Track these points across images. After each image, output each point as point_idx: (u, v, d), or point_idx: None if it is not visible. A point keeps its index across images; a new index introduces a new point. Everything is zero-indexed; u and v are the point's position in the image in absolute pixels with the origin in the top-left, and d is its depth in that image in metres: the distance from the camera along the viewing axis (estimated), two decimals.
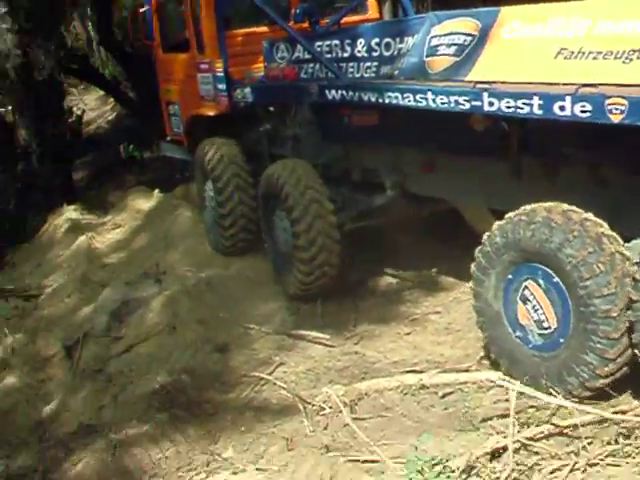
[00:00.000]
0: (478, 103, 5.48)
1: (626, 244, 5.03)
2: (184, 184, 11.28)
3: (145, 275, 8.81)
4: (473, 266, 5.70)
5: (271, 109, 8.48)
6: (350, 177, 7.70)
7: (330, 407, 5.62)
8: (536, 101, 5.06)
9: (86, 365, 7.53)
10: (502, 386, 5.45)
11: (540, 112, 5.07)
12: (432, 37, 6.32)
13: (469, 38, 6.00)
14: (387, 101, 6.29)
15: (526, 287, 5.34)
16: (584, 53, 5.23)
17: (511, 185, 6.12)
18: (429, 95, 5.87)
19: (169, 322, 7.18)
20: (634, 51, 4.92)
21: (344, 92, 6.78)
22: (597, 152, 5.40)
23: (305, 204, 7.25)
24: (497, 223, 5.55)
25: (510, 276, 5.43)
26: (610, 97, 4.62)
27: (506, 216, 5.48)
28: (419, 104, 5.97)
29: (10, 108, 14.34)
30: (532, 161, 5.96)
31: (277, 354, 6.80)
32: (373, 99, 6.44)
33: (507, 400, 5.18)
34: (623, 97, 4.55)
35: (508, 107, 5.26)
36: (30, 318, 9.08)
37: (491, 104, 5.38)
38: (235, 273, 8.48)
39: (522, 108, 5.17)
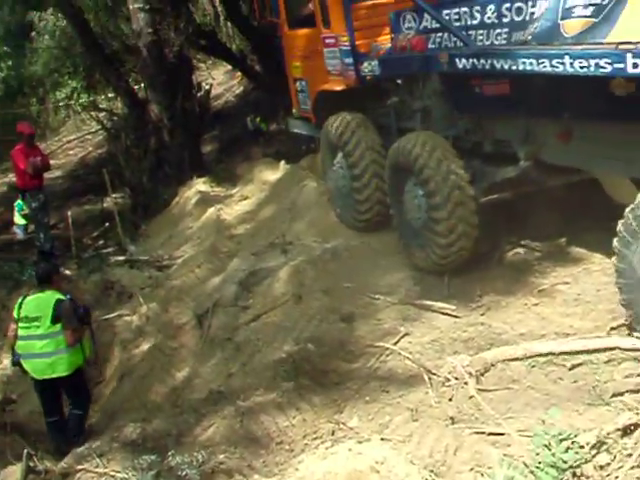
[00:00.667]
0: (621, 65, 5.18)
1: None
2: (310, 155, 11.31)
3: (272, 245, 8.89)
4: (620, 225, 5.49)
5: (398, 82, 8.35)
6: (481, 149, 7.51)
7: (455, 378, 5.55)
8: None
9: (216, 334, 7.71)
10: (636, 359, 5.21)
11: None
12: None
13: None
14: (521, 67, 6.05)
15: None
16: None
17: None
18: (566, 59, 5.60)
19: (295, 292, 7.23)
20: None
21: (475, 60, 6.57)
22: None
23: (443, 176, 7.11)
24: None
25: None
26: None
27: None
28: (556, 69, 5.72)
29: (143, 85, 14.84)
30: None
31: (402, 324, 6.74)
32: (506, 66, 6.21)
33: None
34: None
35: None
36: (163, 288, 9.34)
37: (636, 65, 5.08)
38: (360, 243, 8.47)
39: None
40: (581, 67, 5.50)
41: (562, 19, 6.02)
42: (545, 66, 5.81)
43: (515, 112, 6.91)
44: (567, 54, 5.61)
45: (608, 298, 6.37)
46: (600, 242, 6.54)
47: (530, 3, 6.42)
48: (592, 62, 5.40)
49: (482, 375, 5.57)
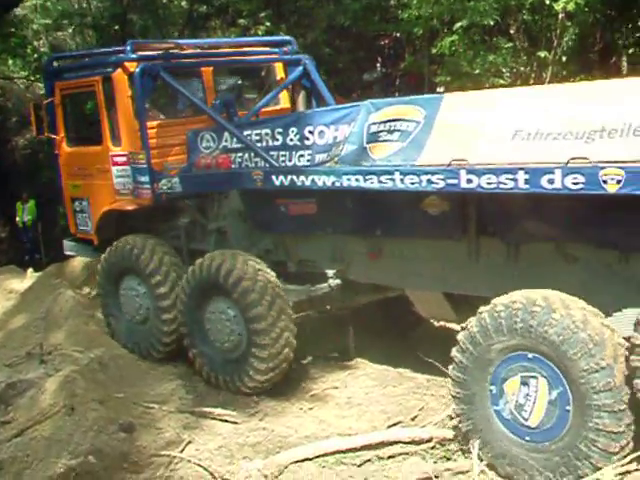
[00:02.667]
0: (454, 181, 5.42)
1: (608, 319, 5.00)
2: (57, 264, 10.67)
3: (28, 356, 7.97)
4: (461, 336, 5.43)
5: (189, 202, 8.14)
6: (285, 268, 7.36)
7: None
8: (521, 176, 5.05)
9: None
10: (419, 453, 5.62)
11: (526, 186, 5.05)
12: (371, 124, 6.36)
13: (413, 124, 6.08)
14: (346, 184, 6.11)
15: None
16: (542, 134, 5.39)
17: (469, 267, 6.05)
18: (397, 175, 5.76)
19: (66, 403, 6.36)
20: (595, 131, 5.13)
21: (294, 177, 6.50)
22: (564, 227, 5.43)
23: (269, 300, 6.77)
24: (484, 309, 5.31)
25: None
26: (605, 168, 4.69)
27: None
28: (384, 185, 5.84)
29: None
30: (491, 241, 5.93)
31: (184, 432, 6.42)
32: (329, 183, 6.23)
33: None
34: (621, 167, 4.63)
35: (489, 183, 5.22)
36: None
37: (469, 181, 5.33)
38: (125, 353, 8.05)
39: (505, 183, 5.14)
40: (412, 183, 5.67)
41: (368, 142, 6.31)
42: (373, 182, 5.92)
43: (322, 231, 6.94)
44: (398, 170, 5.77)
45: (377, 400, 6.82)
46: (363, 347, 7.49)
47: (333, 127, 6.70)
48: (424, 178, 5.59)
49: (277, 478, 5.52)
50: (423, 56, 13.72)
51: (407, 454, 5.67)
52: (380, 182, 5.87)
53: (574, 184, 4.82)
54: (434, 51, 12.83)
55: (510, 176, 5.11)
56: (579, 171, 4.82)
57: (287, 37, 9.17)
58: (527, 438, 5.05)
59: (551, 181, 4.93)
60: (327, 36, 14.18)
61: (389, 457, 5.67)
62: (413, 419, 6.37)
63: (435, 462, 5.52)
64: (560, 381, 4.83)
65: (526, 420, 5.04)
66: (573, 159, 4.91)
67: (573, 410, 4.83)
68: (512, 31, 12.57)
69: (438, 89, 13.69)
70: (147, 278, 7.84)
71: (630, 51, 11.39)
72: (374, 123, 6.37)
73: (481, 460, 5.27)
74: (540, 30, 12.16)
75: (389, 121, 6.28)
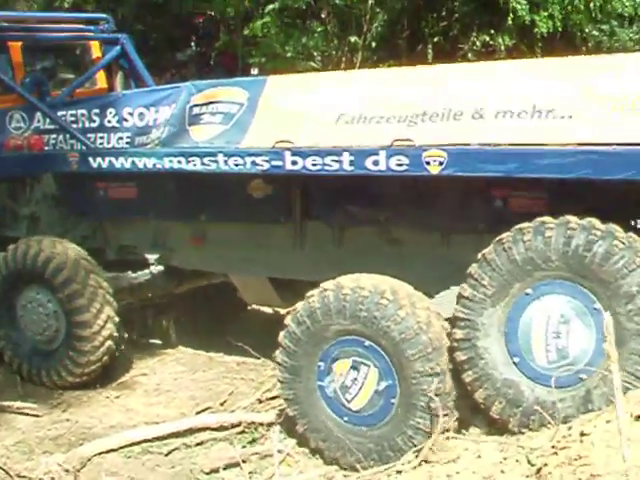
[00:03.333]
0: (279, 162, 5.43)
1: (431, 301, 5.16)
2: None
3: None
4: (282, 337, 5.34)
5: None
6: (104, 255, 7.04)
7: (52, 478, 5.19)
8: (346, 157, 5.13)
9: None
10: (227, 439, 5.61)
11: (351, 168, 5.13)
12: (192, 106, 6.26)
13: (236, 106, 6.04)
14: (169, 166, 5.94)
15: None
16: (365, 118, 5.54)
17: (294, 252, 6.08)
18: (220, 157, 5.68)
19: None
20: (417, 115, 5.34)
21: (113, 159, 6.25)
22: (387, 211, 5.60)
23: (91, 291, 6.44)
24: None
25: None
26: (428, 149, 4.87)
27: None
28: (207, 167, 5.75)
29: None
30: (316, 225, 6.00)
31: None
32: (151, 165, 6.03)
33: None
34: (443, 149, 4.82)
35: (314, 165, 5.27)
36: None
37: (294, 163, 5.36)
38: None
39: (330, 165, 5.21)
40: (236, 165, 5.63)
41: (190, 125, 6.21)
42: (195, 165, 5.81)
43: (143, 216, 6.73)
44: (221, 152, 5.71)
45: (186, 386, 6.78)
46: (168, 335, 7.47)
47: (153, 109, 6.50)
48: (248, 160, 5.56)
49: (79, 471, 5.31)
50: (237, 37, 13.64)
51: (215, 440, 5.65)
52: (203, 164, 5.78)
53: (398, 165, 4.97)
54: (247, 32, 12.79)
55: (335, 158, 5.19)
56: (403, 153, 4.97)
57: (103, 15, 8.78)
58: (345, 419, 5.15)
59: (376, 162, 5.04)
60: (138, 12, 13.75)
61: (197, 444, 5.63)
62: (222, 404, 6.35)
63: (243, 447, 5.53)
64: (391, 375, 4.92)
65: (348, 402, 5.12)
66: (397, 141, 5.06)
67: (397, 404, 4.94)
68: (323, 15, 12.75)
69: (252, 70, 13.69)
70: None
71: (435, 40, 11.90)
72: (196, 105, 6.25)
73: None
74: (351, 15, 12.42)
75: (211, 103, 6.19)
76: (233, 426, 5.73)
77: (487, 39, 11.66)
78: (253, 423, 5.74)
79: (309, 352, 5.17)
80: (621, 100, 4.60)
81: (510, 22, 11.04)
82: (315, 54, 12.85)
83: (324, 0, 12.55)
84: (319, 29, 12.85)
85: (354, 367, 5.05)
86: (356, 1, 12.24)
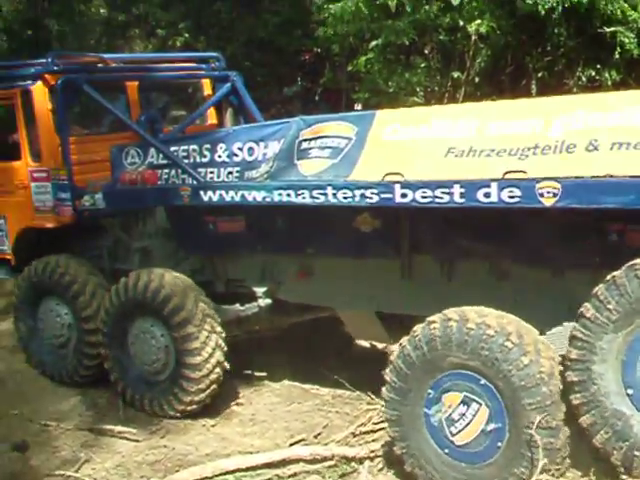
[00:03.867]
0: (388, 195, 5.42)
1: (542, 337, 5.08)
2: None
3: None
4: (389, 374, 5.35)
5: (112, 221, 7.89)
6: (213, 288, 7.18)
7: None
8: (457, 189, 5.10)
9: None
10: (319, 472, 5.62)
11: (462, 200, 5.10)
12: (301, 141, 6.38)
13: (344, 141, 6.14)
14: (278, 199, 6.02)
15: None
16: (475, 151, 5.52)
17: (402, 286, 6.05)
18: (329, 190, 5.72)
19: None
20: (529, 148, 5.28)
21: (223, 193, 6.35)
22: (497, 245, 5.52)
23: (200, 318, 6.61)
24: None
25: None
26: (541, 181, 4.79)
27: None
28: (316, 200, 5.80)
29: None
30: (424, 259, 5.97)
31: (81, 451, 6.37)
32: (261, 198, 6.12)
33: None
34: (557, 181, 4.72)
35: (424, 197, 5.25)
36: None
37: (404, 195, 5.35)
38: (24, 368, 7.92)
39: (441, 197, 5.17)
40: (345, 198, 5.66)
41: (299, 159, 6.34)
42: (305, 197, 5.88)
43: (251, 250, 6.85)
44: (330, 185, 5.76)
45: (282, 417, 6.85)
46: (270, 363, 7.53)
47: (262, 144, 6.68)
48: (357, 193, 5.58)
49: None
50: (342, 73, 13.82)
51: (308, 472, 5.67)
52: (312, 197, 5.84)
53: (510, 197, 4.90)
54: (350, 68, 12.94)
55: (446, 190, 5.16)
56: (515, 184, 4.91)
57: (214, 53, 9.08)
58: (446, 451, 5.11)
59: (487, 195, 4.99)
60: (246, 49, 14.13)
61: (290, 476, 5.67)
62: (316, 437, 6.40)
63: None
64: (502, 419, 4.85)
65: (452, 435, 5.08)
66: (509, 172, 5.01)
67: (503, 449, 4.87)
68: (427, 51, 12.77)
69: (356, 106, 13.82)
70: (71, 299, 7.56)
71: (539, 75, 11.71)
72: (305, 140, 6.38)
73: None
74: (454, 51, 12.39)
75: (320, 137, 6.32)
76: (326, 459, 5.77)
77: (593, 74, 11.39)
78: (345, 457, 5.75)
79: (420, 378, 5.15)
80: None
81: (617, 56, 10.75)
82: (418, 89, 12.85)
83: (427, 36, 12.57)
84: (422, 65, 12.85)
85: (465, 402, 5.00)
86: (460, 37, 12.20)
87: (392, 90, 12.70)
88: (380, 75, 12.66)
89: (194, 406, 6.76)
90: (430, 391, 5.12)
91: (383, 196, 5.47)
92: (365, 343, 8.12)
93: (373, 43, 12.32)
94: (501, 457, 4.88)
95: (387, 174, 5.53)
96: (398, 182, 5.41)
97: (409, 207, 5.45)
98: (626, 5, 10.30)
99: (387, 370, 5.31)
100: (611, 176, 4.64)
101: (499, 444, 4.88)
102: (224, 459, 5.95)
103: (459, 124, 5.74)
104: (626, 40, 10.42)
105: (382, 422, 6.29)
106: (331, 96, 14.96)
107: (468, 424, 5.01)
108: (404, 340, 5.22)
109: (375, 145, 6.01)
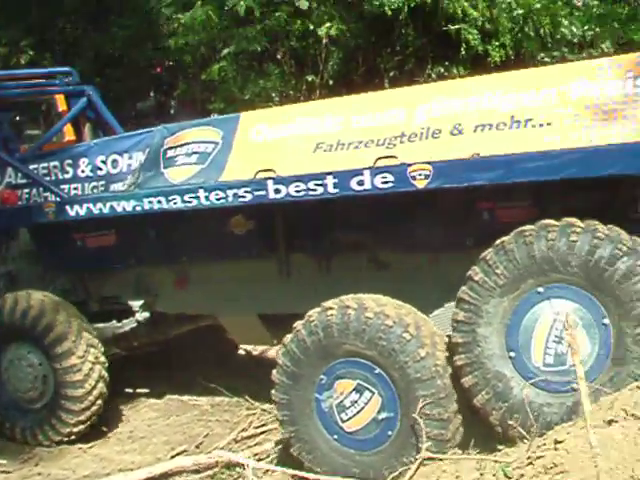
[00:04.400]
0: (262, 192, 5.40)
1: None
2: None
3: None
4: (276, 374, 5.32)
5: None
6: (87, 307, 6.89)
7: None
8: (330, 180, 5.12)
9: None
10: None
11: (336, 190, 5.12)
12: (167, 149, 6.32)
13: (211, 145, 6.12)
14: (149, 207, 5.85)
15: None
16: (343, 144, 5.59)
17: (281, 286, 6.03)
18: (201, 193, 5.63)
19: None
20: (395, 137, 5.41)
21: (91, 206, 6.10)
22: (372, 235, 5.60)
23: (84, 348, 6.34)
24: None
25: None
26: (413, 164, 4.88)
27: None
28: (189, 205, 5.69)
29: None
30: (301, 256, 5.98)
31: None
32: (131, 208, 5.93)
33: None
34: (427, 163, 4.83)
35: (298, 191, 5.25)
36: None
37: (277, 191, 5.33)
38: None
39: (315, 190, 5.19)
40: (218, 199, 5.59)
41: (165, 167, 6.26)
42: (176, 202, 5.75)
43: (124, 264, 6.65)
44: (202, 187, 5.68)
45: (161, 431, 6.73)
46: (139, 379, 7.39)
47: (126, 155, 6.57)
48: (230, 193, 5.53)
49: None
50: (196, 83, 13.70)
51: None
52: (184, 201, 5.73)
53: (384, 183, 4.97)
54: (204, 77, 12.87)
55: (319, 182, 5.19)
56: (388, 170, 4.99)
57: (67, 68, 8.77)
58: (335, 437, 5.12)
59: (361, 182, 5.04)
60: (96, 65, 13.74)
61: None
62: (198, 446, 6.31)
63: None
64: (394, 408, 4.88)
65: (342, 422, 5.08)
66: (380, 159, 5.10)
67: (393, 437, 4.92)
68: (280, 56, 12.88)
69: (212, 116, 13.73)
70: None
71: (391, 74, 12.07)
72: (170, 147, 6.32)
73: None
74: (307, 55, 12.56)
75: (185, 144, 6.27)
76: (209, 467, 5.65)
77: (442, 70, 11.83)
78: (230, 463, 5.65)
79: (314, 363, 5.12)
80: (594, 104, 4.74)
81: (463, 53, 11.23)
82: (274, 95, 12.93)
83: (279, 42, 12.68)
84: (276, 71, 12.95)
85: (357, 390, 5.01)
86: (311, 41, 12.39)
87: (248, 97, 12.72)
88: (235, 83, 12.67)
89: (72, 437, 6.48)
90: (323, 377, 5.11)
91: (257, 193, 5.43)
92: (242, 350, 8.13)
93: (225, 51, 12.33)
94: (390, 446, 4.93)
95: (259, 171, 5.52)
96: (270, 178, 5.41)
97: (283, 203, 5.44)
98: (466, 4, 10.78)
99: (279, 353, 5.27)
100: (478, 154, 4.81)
101: (389, 433, 4.93)
102: (104, 478, 5.78)
103: (324, 120, 5.80)
104: (470, 37, 10.90)
105: (263, 426, 6.42)
106: (187, 108, 14.78)
107: (359, 411, 5.03)
108: (298, 324, 5.19)
109: (242, 147, 6.00)
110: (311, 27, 11.90)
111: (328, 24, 11.55)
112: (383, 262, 5.67)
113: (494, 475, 4.17)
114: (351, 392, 5.04)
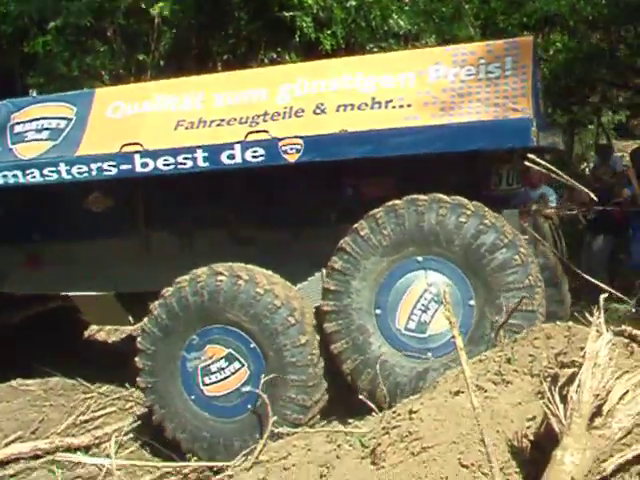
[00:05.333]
0: (128, 166, 5.33)
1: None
2: None
3: None
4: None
5: None
6: None
7: None
8: (200, 154, 5.15)
9: None
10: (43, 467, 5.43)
11: (206, 164, 5.16)
12: (14, 124, 6.09)
13: (64, 122, 5.97)
14: (3, 182, 5.63)
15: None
16: (205, 122, 5.63)
17: (141, 263, 5.96)
18: (62, 167, 5.48)
19: None
20: (258, 116, 5.52)
21: None
22: (235, 211, 5.67)
23: None
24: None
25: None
26: (284, 139, 5.01)
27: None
28: (48, 179, 5.51)
29: None
30: (163, 233, 5.94)
31: None
32: None
33: None
34: (299, 137, 4.97)
35: (167, 164, 5.23)
36: None
37: (145, 165, 5.29)
38: None
39: (184, 163, 5.20)
40: (80, 173, 5.47)
41: (14, 144, 6.04)
42: (35, 177, 5.57)
43: None
44: (63, 161, 5.53)
45: None
46: None
47: None
48: (94, 166, 5.42)
49: None
50: (14, 56, 12.99)
51: (31, 469, 5.48)
52: (43, 175, 5.56)
53: (254, 157, 5.08)
54: (27, 50, 12.28)
55: (189, 155, 5.21)
56: (259, 144, 5.10)
57: None
58: (193, 397, 5.21)
59: (231, 157, 5.12)
60: None
61: (12, 475, 5.42)
62: (34, 432, 6.14)
63: (63, 472, 5.38)
64: (259, 385, 4.98)
65: (204, 385, 5.18)
66: (251, 133, 5.19)
67: (251, 412, 5.07)
68: (109, 34, 12.52)
69: (31, 92, 13.09)
70: None
71: (225, 57, 12.09)
72: (18, 123, 6.10)
73: None
74: (139, 34, 12.30)
75: (35, 120, 6.07)
76: (49, 452, 5.54)
77: (275, 56, 12.02)
78: (70, 448, 5.60)
79: (190, 322, 5.17)
80: (450, 88, 5.09)
81: (297, 40, 11.46)
82: (103, 73, 12.57)
83: (108, 19, 12.33)
84: (103, 48, 12.59)
85: (227, 359, 5.11)
86: (142, 20, 12.15)
87: (75, 74, 12.29)
88: (60, 58, 12.19)
89: None
90: (195, 337, 5.16)
91: (122, 167, 5.37)
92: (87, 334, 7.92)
93: (51, 24, 11.82)
94: (247, 419, 5.07)
95: (124, 145, 5.44)
96: (137, 152, 5.35)
97: (146, 178, 5.41)
98: None
99: (155, 304, 5.28)
100: (346, 130, 5.00)
101: (249, 406, 5.06)
102: None
103: (184, 98, 5.80)
104: (304, 24, 11.15)
105: (102, 409, 6.33)
106: (2, 83, 13.97)
107: (224, 379, 5.14)
108: (183, 281, 5.20)
109: (98, 124, 5.89)
110: (143, 5, 11.68)
111: (161, 4, 11.39)
112: (246, 238, 5.75)
113: (350, 445, 4.32)
114: (220, 359, 5.13)
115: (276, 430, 4.79)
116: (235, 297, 5.06)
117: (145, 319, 5.31)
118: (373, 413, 4.61)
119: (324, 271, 5.20)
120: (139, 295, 5.94)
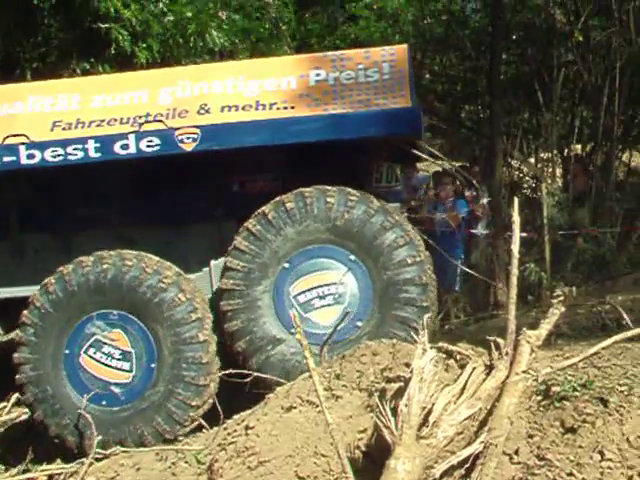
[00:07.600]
0: (12, 158, 5.23)
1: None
2: None
3: None
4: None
5: None
6: None
7: None
8: (92, 144, 5.16)
9: None
10: None
11: (98, 155, 5.18)
12: None
13: None
14: None
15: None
16: (84, 123, 5.65)
17: (13, 268, 5.80)
18: None
19: None
20: (140, 116, 5.63)
21: None
22: (117, 211, 5.67)
23: None
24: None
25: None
26: (181, 128, 5.13)
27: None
28: None
29: None
30: (38, 236, 5.81)
31: None
32: None
33: None
34: (196, 126, 5.12)
35: (56, 156, 5.19)
36: None
37: (31, 156, 5.21)
38: None
39: (75, 154, 5.18)
40: None
41: None
42: None
43: None
44: None
45: None
46: None
47: None
48: None
49: None
50: None
51: None
52: None
53: (149, 147, 5.19)
54: None
55: (79, 146, 5.22)
56: (154, 133, 5.22)
57: None
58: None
59: (125, 147, 5.21)
60: None
61: None
62: None
63: None
64: (152, 362, 5.24)
65: (85, 371, 5.31)
66: (147, 123, 5.28)
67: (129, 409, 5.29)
68: None
69: None
70: None
71: (35, 65, 11.73)
72: None
73: None
74: None
75: None
76: None
77: (87, 67, 11.87)
78: None
79: (73, 308, 5.26)
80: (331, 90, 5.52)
81: (113, 52, 11.42)
82: None
83: None
84: None
85: (122, 351, 5.30)
86: None
87: None
88: None
89: None
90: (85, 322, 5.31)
91: (5, 159, 5.27)
92: None
93: None
94: (136, 403, 5.29)
95: (8, 136, 5.31)
96: (23, 143, 5.27)
97: (22, 176, 5.33)
98: (119, 3, 11.00)
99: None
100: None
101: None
102: None
103: (59, 99, 5.76)
104: (120, 37, 11.15)
105: None
106: None
107: (105, 364, 5.32)
108: (87, 261, 5.25)
109: None
110: None
111: None
112: (129, 238, 5.76)
113: (186, 462, 4.56)
114: (115, 348, 5.31)
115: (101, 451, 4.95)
116: (122, 279, 5.20)
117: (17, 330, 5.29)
118: (204, 430, 4.92)
119: (212, 265, 5.44)
120: (5, 304, 5.80)
